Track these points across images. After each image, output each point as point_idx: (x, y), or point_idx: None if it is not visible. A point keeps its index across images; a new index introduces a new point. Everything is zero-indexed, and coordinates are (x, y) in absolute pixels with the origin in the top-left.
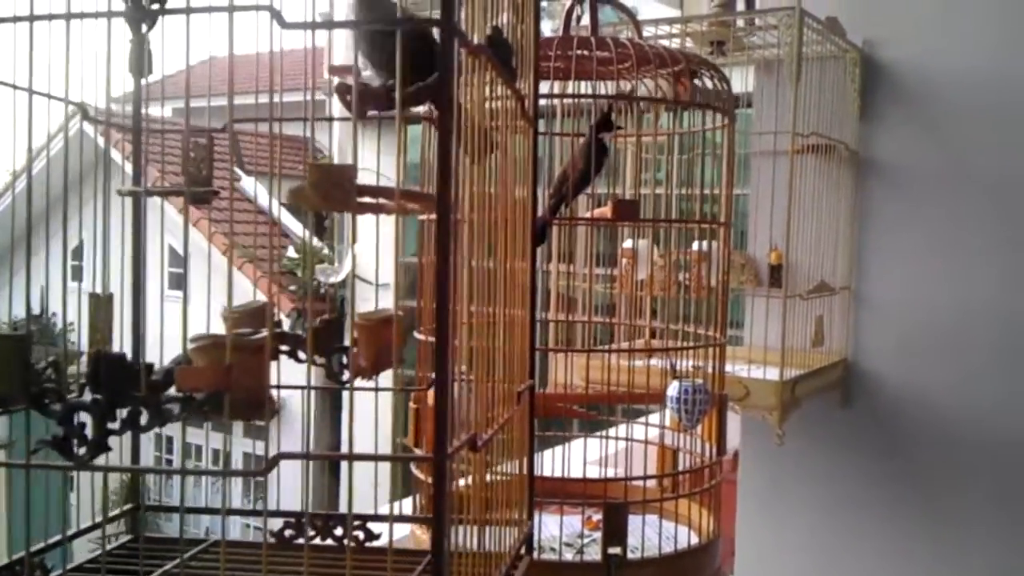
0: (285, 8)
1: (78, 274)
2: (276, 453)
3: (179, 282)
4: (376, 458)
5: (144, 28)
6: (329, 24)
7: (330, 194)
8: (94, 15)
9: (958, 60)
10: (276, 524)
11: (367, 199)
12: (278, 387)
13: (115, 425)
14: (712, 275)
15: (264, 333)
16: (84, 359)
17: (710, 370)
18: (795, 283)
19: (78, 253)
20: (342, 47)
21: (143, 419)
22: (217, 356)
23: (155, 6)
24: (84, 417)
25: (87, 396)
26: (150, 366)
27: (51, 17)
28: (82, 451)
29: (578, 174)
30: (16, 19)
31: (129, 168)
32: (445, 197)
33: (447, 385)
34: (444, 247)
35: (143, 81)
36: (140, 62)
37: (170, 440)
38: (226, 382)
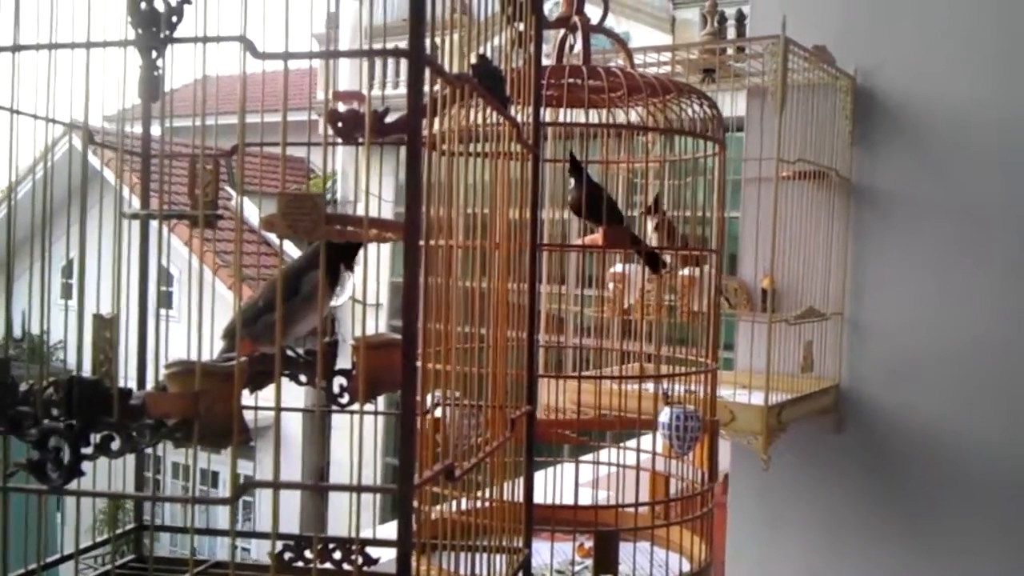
0: (273, 36)
1: (67, 292)
2: (244, 481)
3: (166, 302)
4: (348, 488)
5: (154, 54)
6: (301, 55)
7: (297, 222)
8: (103, 44)
9: (949, 88)
10: (266, 545)
11: (337, 227)
12: (251, 408)
13: (88, 450)
14: (700, 299)
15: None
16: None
17: (702, 395)
18: (787, 308)
19: (68, 271)
20: (346, 72)
21: (115, 444)
22: (190, 383)
23: (163, 34)
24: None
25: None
26: (128, 391)
27: (72, 46)
28: (56, 475)
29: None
30: (16, 47)
31: (119, 187)
32: (413, 223)
33: (413, 415)
34: (412, 272)
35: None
36: (149, 87)
37: (158, 460)
38: (195, 409)
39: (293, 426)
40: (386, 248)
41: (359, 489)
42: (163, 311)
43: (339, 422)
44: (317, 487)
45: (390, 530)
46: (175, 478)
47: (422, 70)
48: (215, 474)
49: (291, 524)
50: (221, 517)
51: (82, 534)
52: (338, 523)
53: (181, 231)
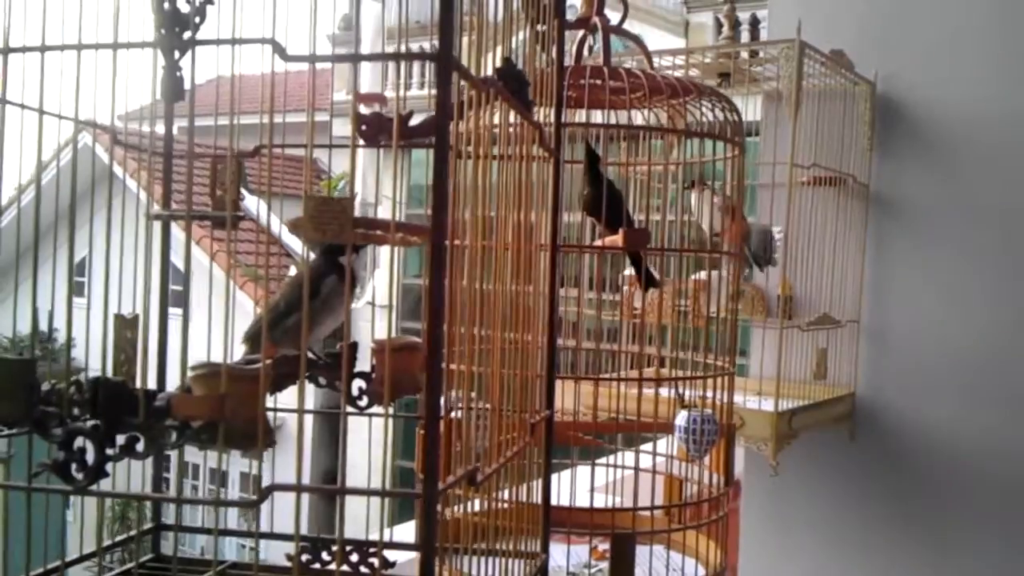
0: (293, 38)
1: (81, 290)
2: (269, 484)
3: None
4: (369, 492)
5: (176, 55)
6: (328, 58)
7: (326, 225)
8: (127, 45)
9: (970, 95)
10: (275, 548)
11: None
12: (273, 410)
13: (113, 451)
14: (713, 303)
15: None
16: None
17: (717, 400)
18: (804, 315)
19: (82, 269)
20: (367, 72)
21: (139, 446)
22: (215, 385)
23: (186, 35)
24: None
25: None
26: (153, 393)
27: (97, 47)
28: (81, 476)
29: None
30: (43, 48)
31: (133, 185)
32: (439, 226)
33: (438, 418)
34: (438, 275)
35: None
36: (172, 87)
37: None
38: (221, 412)
39: (305, 428)
40: (398, 248)
41: (383, 494)
42: (180, 311)
43: (353, 424)
44: (341, 490)
45: (405, 531)
46: (186, 477)
47: (451, 73)
48: (224, 474)
49: (302, 525)
50: (231, 517)
51: (89, 534)
52: (350, 525)
53: (194, 231)
